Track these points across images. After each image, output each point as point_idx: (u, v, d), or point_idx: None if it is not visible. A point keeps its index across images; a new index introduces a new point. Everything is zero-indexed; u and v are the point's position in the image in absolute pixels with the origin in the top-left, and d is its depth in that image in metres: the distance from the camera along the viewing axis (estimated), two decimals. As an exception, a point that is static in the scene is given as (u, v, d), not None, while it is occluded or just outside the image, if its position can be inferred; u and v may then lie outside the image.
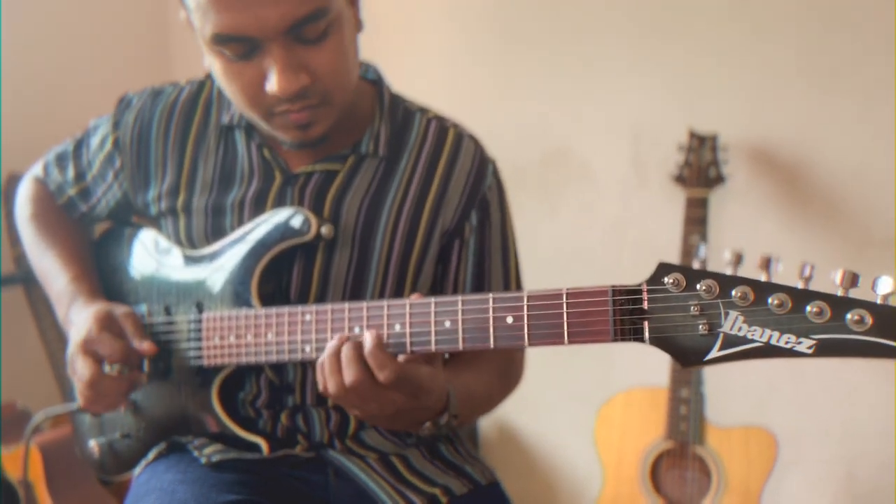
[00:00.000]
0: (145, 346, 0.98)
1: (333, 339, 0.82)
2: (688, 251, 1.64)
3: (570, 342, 0.70)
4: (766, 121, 1.73)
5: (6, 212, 1.90)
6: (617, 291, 0.69)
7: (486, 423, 2.13)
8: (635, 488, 1.67)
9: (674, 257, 1.73)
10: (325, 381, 0.82)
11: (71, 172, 1.16)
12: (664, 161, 1.82)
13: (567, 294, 0.71)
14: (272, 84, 0.86)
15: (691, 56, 1.80)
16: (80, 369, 0.97)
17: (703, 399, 1.62)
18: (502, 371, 1.07)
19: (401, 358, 0.82)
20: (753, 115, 1.74)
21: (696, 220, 1.65)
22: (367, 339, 0.80)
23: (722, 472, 1.59)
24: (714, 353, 0.63)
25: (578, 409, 2.00)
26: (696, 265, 0.67)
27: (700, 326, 0.64)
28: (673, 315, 0.66)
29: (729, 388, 1.74)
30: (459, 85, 2.09)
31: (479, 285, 1.06)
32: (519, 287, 1.10)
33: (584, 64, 1.93)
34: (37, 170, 1.21)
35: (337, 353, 0.81)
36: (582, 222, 1.97)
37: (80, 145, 1.16)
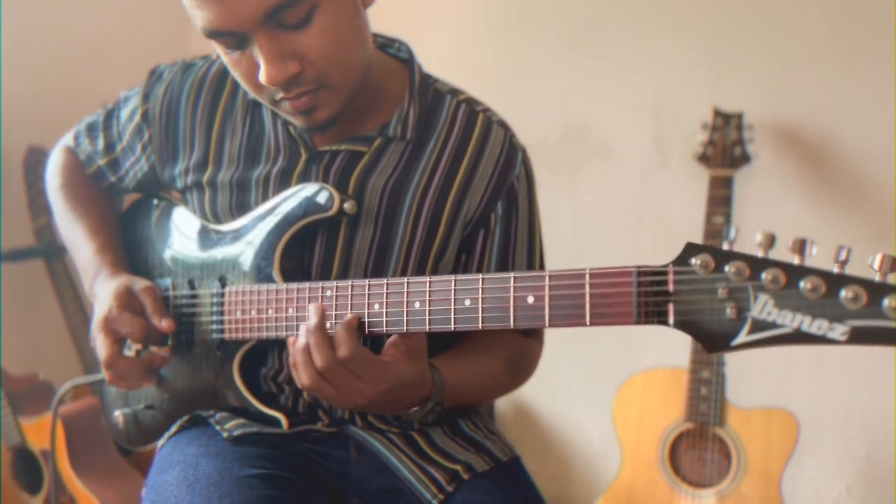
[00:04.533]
0: (164, 323, 0.99)
1: (300, 337, 0.84)
2: (711, 231, 1.62)
3: (592, 323, 0.69)
4: (791, 99, 1.69)
5: (27, 184, 1.91)
6: (642, 272, 0.67)
7: (502, 401, 2.13)
8: (653, 469, 1.66)
9: (695, 238, 1.70)
10: (300, 373, 0.84)
11: (101, 143, 1.16)
12: (686, 139, 1.80)
13: (590, 274, 0.70)
14: (261, 74, 0.85)
15: (714, 32, 1.76)
16: (99, 348, 0.99)
17: (725, 380, 1.61)
18: (511, 362, 1.06)
19: (385, 354, 0.85)
20: (778, 92, 1.71)
21: (720, 201, 1.63)
22: (312, 316, 0.84)
23: (742, 453, 1.58)
24: (741, 339, 0.61)
25: (594, 389, 2.00)
26: (724, 247, 0.65)
27: (728, 310, 0.62)
28: (699, 298, 0.64)
29: (748, 369, 1.73)
30: (478, 61, 2.07)
31: None
32: None
33: (605, 39, 1.90)
34: (68, 139, 1.22)
35: (307, 348, 0.83)
36: (601, 201, 1.95)
37: (110, 116, 1.16)
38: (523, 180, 1.05)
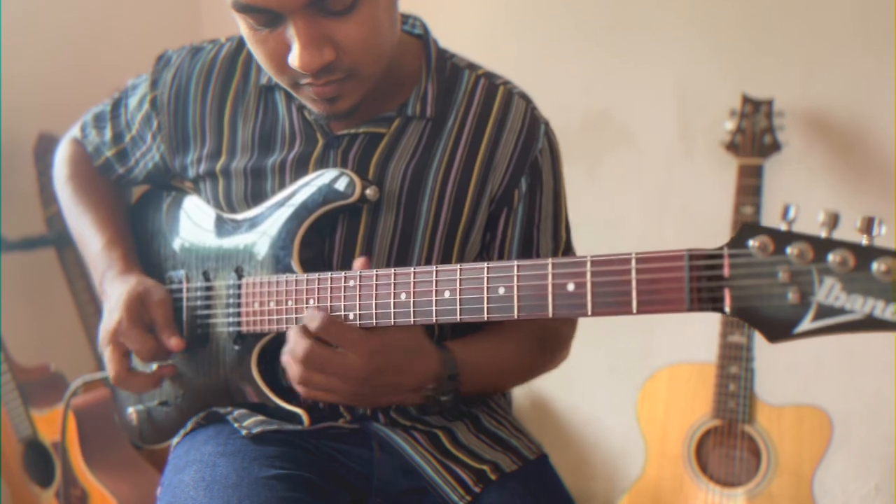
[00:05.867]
0: (173, 342, 0.96)
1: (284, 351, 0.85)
2: (740, 222, 1.57)
3: (640, 311, 0.65)
4: (822, 84, 1.64)
5: (38, 172, 1.88)
6: (694, 255, 0.62)
7: (520, 395, 2.10)
8: (679, 466, 1.62)
9: (722, 228, 1.66)
10: (291, 375, 0.84)
11: (108, 133, 1.13)
12: (712, 127, 1.75)
13: (636, 259, 0.65)
14: (293, 58, 0.80)
15: (741, 15, 1.71)
16: (107, 361, 0.97)
17: (754, 376, 1.56)
18: (542, 339, 1.02)
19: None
20: (809, 78, 1.66)
21: (750, 190, 1.58)
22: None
23: (772, 452, 1.54)
24: (805, 326, 0.57)
25: (615, 383, 1.97)
26: (782, 227, 0.60)
27: (789, 295, 0.57)
28: (758, 282, 0.59)
29: (775, 365, 1.68)
30: (497, 45, 2.02)
31: (526, 256, 1.00)
32: None
33: (628, 23, 1.85)
34: (75, 130, 1.18)
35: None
36: (622, 190, 1.91)
37: (117, 105, 1.13)
38: (547, 154, 1.00)
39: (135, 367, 1.03)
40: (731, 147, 1.64)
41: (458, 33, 2.01)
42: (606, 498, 2.01)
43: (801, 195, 1.67)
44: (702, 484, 1.60)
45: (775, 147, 1.60)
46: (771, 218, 1.60)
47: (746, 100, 1.63)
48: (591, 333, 1.92)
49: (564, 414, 2.07)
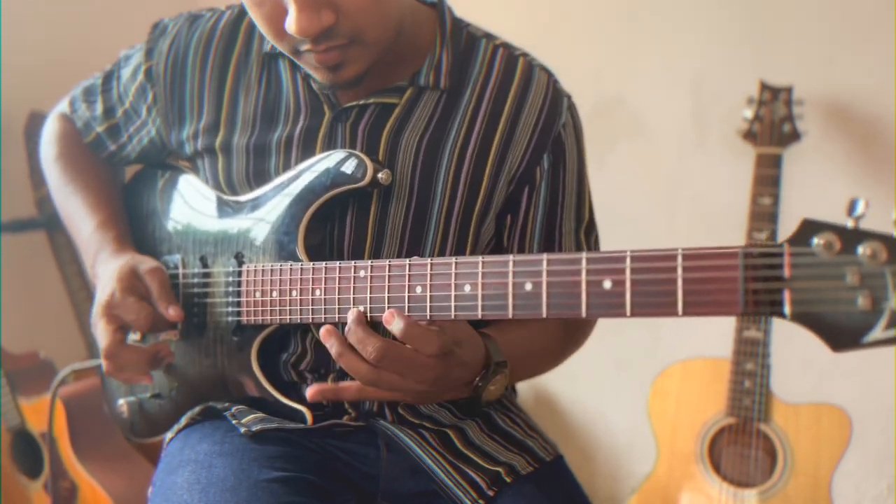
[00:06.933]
0: (172, 311, 0.89)
1: (332, 349, 0.76)
2: (758, 213, 1.52)
3: (686, 313, 0.59)
4: (843, 72, 1.59)
5: (28, 153, 1.83)
6: (750, 253, 0.56)
7: (522, 388, 2.05)
8: (691, 465, 1.58)
9: (735, 220, 1.61)
10: (356, 371, 0.75)
11: (99, 108, 1.06)
12: (727, 115, 1.70)
13: (683, 255, 0.59)
14: (289, 22, 0.75)
15: (760, -2, 1.66)
16: (100, 336, 0.90)
17: (770, 373, 1.52)
18: (567, 324, 0.98)
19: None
20: (829, 65, 1.60)
21: (769, 181, 1.53)
22: (350, 316, 0.75)
23: (789, 451, 1.49)
24: (876, 334, 0.51)
25: (622, 378, 1.92)
26: (849, 224, 0.54)
27: (859, 300, 0.52)
28: (823, 285, 0.54)
29: (789, 362, 1.64)
30: (503, 27, 1.96)
31: (549, 237, 0.95)
32: (592, 241, 1.00)
33: (643, 5, 1.79)
34: (63, 106, 1.12)
35: (346, 352, 0.75)
36: (633, 180, 1.85)
37: (109, 78, 1.06)
38: (570, 130, 0.95)
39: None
40: (749, 136, 1.59)
41: (466, 12, 1.95)
42: (611, 495, 1.98)
43: (821, 186, 1.63)
44: (714, 483, 1.55)
45: (794, 136, 1.55)
46: (789, 210, 1.56)
47: (765, 87, 1.58)
48: (596, 326, 1.88)
49: (568, 409, 2.03)
